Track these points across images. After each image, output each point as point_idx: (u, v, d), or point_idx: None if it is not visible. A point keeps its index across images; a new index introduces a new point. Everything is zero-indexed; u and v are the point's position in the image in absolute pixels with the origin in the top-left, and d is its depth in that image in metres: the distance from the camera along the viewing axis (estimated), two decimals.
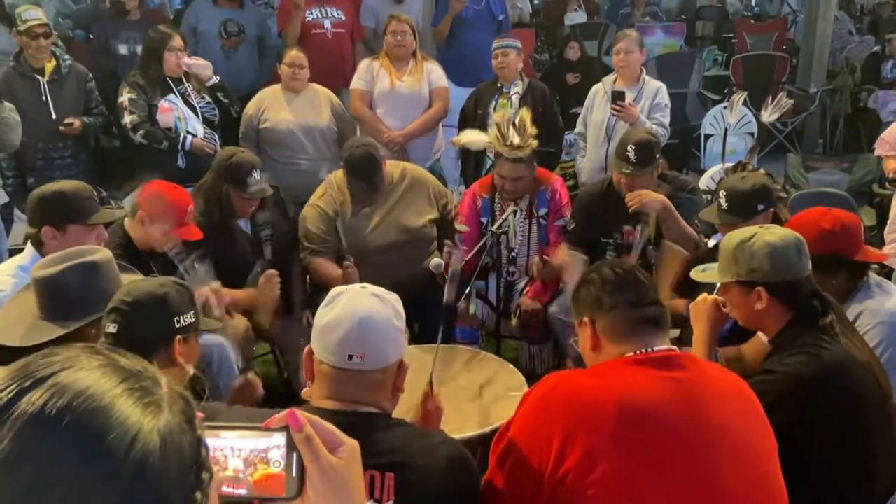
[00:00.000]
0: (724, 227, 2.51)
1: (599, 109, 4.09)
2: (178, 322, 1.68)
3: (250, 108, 4.01)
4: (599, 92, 4.14)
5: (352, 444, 0.80)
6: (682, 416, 1.39)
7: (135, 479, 0.55)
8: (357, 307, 1.40)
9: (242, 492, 0.74)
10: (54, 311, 1.81)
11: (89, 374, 0.57)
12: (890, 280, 3.26)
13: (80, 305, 1.80)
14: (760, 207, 2.52)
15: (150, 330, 1.64)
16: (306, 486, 0.75)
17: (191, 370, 1.74)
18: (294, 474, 0.75)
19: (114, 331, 1.63)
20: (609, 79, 4.15)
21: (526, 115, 3.26)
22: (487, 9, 5.04)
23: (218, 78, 3.88)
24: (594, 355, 1.57)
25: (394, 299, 1.46)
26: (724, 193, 2.58)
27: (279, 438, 0.75)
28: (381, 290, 1.46)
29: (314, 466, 0.75)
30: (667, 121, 3.99)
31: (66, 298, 1.81)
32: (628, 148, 3.08)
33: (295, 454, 0.75)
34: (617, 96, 3.84)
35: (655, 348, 1.48)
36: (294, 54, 3.97)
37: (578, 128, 4.30)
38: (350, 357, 1.38)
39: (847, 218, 2.18)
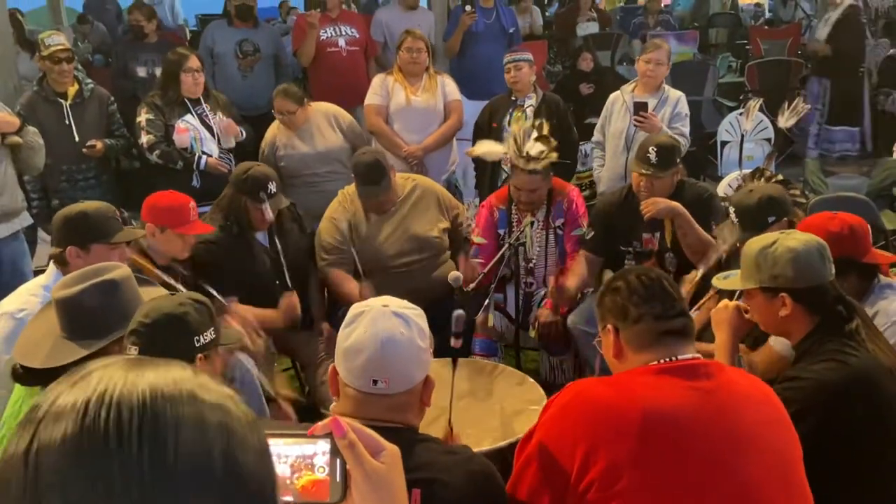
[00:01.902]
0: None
1: (619, 119, 4.08)
2: (199, 341, 1.69)
3: (264, 145, 3.99)
4: (618, 101, 4.12)
5: (393, 449, 0.82)
6: (708, 424, 1.38)
7: (234, 461, 0.56)
8: (379, 329, 1.36)
9: (289, 498, 0.76)
10: (76, 330, 1.82)
11: (168, 371, 0.58)
12: None
13: (101, 324, 1.81)
14: (771, 219, 2.50)
15: (170, 351, 1.63)
16: (351, 491, 0.77)
17: None
18: (338, 479, 0.77)
19: (135, 353, 1.64)
20: (628, 87, 4.14)
21: (545, 127, 3.28)
22: (498, 22, 5.08)
23: (244, 133, 3.94)
24: (617, 362, 1.56)
25: (417, 315, 1.42)
26: (734, 210, 2.59)
27: (323, 445, 0.77)
28: (403, 307, 1.42)
29: (358, 471, 0.78)
30: (687, 130, 3.98)
31: (87, 318, 1.81)
32: (650, 149, 3.08)
33: (338, 460, 0.77)
34: (640, 107, 3.83)
35: (680, 357, 1.47)
36: (280, 102, 3.89)
37: (596, 136, 4.28)
38: (375, 382, 1.36)
39: (854, 221, 2.18)
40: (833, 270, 1.83)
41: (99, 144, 3.89)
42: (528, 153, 3.19)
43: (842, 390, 1.68)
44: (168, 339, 1.65)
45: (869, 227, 2.24)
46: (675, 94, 4.04)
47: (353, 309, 1.43)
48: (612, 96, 4.20)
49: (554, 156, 3.23)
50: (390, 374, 1.36)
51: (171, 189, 3.21)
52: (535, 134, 3.24)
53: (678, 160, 3.15)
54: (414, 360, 1.39)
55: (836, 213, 2.22)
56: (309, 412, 3.10)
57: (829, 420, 1.67)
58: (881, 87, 6.83)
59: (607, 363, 1.62)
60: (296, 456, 0.77)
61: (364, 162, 3.24)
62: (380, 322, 1.37)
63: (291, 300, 3.05)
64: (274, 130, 4.01)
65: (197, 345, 1.68)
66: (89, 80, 4.05)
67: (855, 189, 4.89)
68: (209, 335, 1.71)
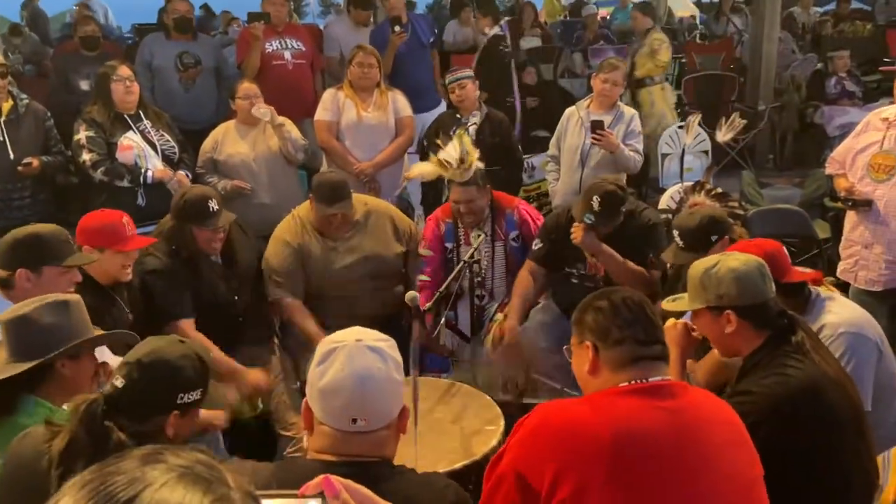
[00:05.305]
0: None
1: (574, 134, 4.11)
2: (181, 398, 1.63)
3: (206, 145, 3.95)
4: (573, 116, 4.15)
5: None
6: (675, 445, 1.41)
7: None
8: (356, 367, 1.34)
9: None
10: (20, 350, 1.78)
11: (174, 491, 0.56)
12: (846, 293, 3.39)
13: (46, 341, 1.77)
14: (714, 238, 2.61)
15: (151, 396, 1.60)
16: None
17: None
18: None
19: (119, 384, 1.59)
20: (583, 103, 4.17)
21: (467, 141, 3.29)
22: (415, 36, 5.07)
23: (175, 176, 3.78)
24: (590, 378, 1.58)
25: (390, 347, 1.40)
26: (678, 233, 2.67)
27: None
28: (376, 339, 1.40)
29: None
30: (641, 147, 4.04)
31: (33, 334, 1.78)
32: (593, 199, 3.00)
33: None
34: (597, 125, 3.86)
35: (651, 379, 1.50)
36: (247, 86, 3.93)
37: (551, 150, 4.31)
38: (354, 421, 1.34)
39: (768, 245, 2.28)
40: (773, 288, 1.91)
41: (35, 162, 3.75)
42: (457, 162, 3.21)
43: (790, 402, 1.76)
44: (152, 384, 1.60)
45: (784, 248, 2.34)
46: (630, 112, 4.09)
47: (324, 345, 1.40)
48: (567, 111, 4.22)
49: (476, 157, 3.24)
50: (370, 411, 1.35)
51: (115, 209, 3.11)
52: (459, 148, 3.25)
53: (622, 210, 3.08)
54: (392, 394, 1.38)
55: (750, 242, 2.32)
56: (264, 433, 3.05)
57: (780, 430, 1.74)
58: (809, 101, 7.12)
59: (576, 375, 1.64)
60: None
61: (331, 180, 3.21)
62: (356, 359, 1.35)
63: (259, 381, 2.93)
64: (217, 132, 3.97)
65: (178, 402, 1.62)
66: (24, 96, 3.91)
67: (788, 199, 5.11)
68: (194, 395, 1.65)
